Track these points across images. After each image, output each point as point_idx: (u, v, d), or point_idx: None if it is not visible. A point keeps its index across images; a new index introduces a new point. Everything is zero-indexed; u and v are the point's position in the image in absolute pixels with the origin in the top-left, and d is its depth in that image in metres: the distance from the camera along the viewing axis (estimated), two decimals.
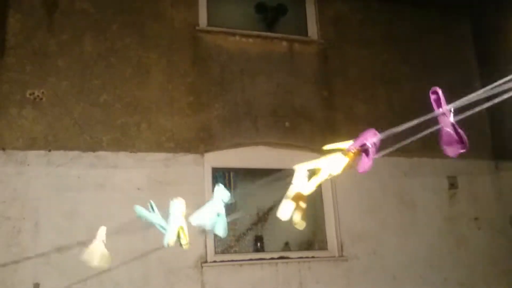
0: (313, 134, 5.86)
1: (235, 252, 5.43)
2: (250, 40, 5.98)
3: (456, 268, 5.90)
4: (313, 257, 5.48)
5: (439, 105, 1.36)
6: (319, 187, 5.88)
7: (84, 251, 1.93)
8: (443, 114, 1.34)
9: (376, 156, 1.47)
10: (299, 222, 1.63)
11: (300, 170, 1.63)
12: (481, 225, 6.21)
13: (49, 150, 4.86)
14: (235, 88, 5.70)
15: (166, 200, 5.47)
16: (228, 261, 5.19)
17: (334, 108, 6.07)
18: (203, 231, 5.09)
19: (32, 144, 4.82)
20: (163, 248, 5.04)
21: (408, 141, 1.46)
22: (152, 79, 5.42)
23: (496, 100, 1.24)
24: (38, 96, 4.95)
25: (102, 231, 1.97)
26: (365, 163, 1.46)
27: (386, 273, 5.60)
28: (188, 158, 5.26)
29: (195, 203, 5.11)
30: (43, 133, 4.89)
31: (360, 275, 5.51)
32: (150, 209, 2.02)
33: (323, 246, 5.67)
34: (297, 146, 5.73)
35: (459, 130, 1.31)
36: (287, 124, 5.76)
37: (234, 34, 5.92)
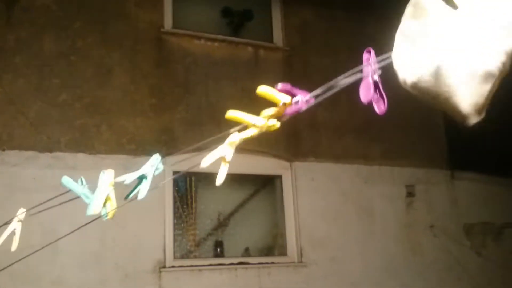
0: (276, 140, 5.87)
1: (195, 257, 5.38)
2: (216, 44, 5.96)
3: (412, 275, 6.03)
4: (272, 262, 5.48)
5: (367, 59, 1.38)
6: (281, 193, 5.85)
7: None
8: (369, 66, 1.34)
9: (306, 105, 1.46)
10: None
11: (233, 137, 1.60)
12: (437, 233, 6.38)
13: (3, 150, 4.68)
14: (199, 91, 5.66)
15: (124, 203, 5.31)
16: (187, 266, 5.12)
17: (297, 115, 6.09)
18: (162, 236, 5.03)
19: None
20: (120, 251, 4.92)
21: (333, 91, 1.45)
22: (114, 80, 5.31)
23: None
24: None
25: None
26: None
27: (344, 280, 5.66)
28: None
29: (155, 207, 5.05)
30: None
31: (319, 281, 5.55)
32: (80, 183, 1.96)
33: (283, 252, 5.68)
34: (260, 151, 5.73)
35: (381, 89, 1.32)
36: None
37: (199, 38, 5.89)
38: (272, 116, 1.46)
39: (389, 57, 1.26)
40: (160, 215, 5.08)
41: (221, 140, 1.59)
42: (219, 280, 5.13)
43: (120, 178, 1.77)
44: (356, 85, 1.41)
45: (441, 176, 6.70)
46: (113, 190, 1.81)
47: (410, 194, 6.40)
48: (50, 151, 4.84)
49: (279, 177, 5.91)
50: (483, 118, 1.04)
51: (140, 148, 5.18)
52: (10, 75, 4.89)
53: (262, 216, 5.97)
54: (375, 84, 1.30)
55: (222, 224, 5.64)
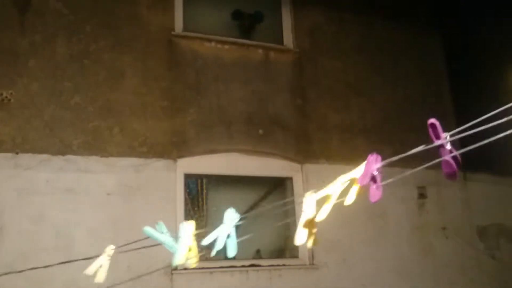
0: (286, 142, 5.88)
1: (206, 259, 5.39)
2: (226, 46, 5.98)
3: (424, 277, 5.99)
4: (284, 265, 5.48)
5: (436, 135, 1.41)
6: (292, 195, 5.84)
7: (90, 266, 1.90)
8: (442, 145, 1.40)
9: (383, 183, 1.52)
10: (313, 243, 1.73)
11: (310, 198, 1.70)
12: (449, 235, 6.33)
13: (17, 153, 4.73)
14: (209, 94, 5.69)
15: (136, 206, 5.39)
16: (199, 268, 5.13)
17: (307, 116, 6.11)
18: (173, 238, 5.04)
19: None
20: (132, 254, 4.94)
21: (416, 169, 1.52)
22: (126, 83, 5.35)
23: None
24: (6, 97, 4.83)
25: (109, 249, 1.98)
26: (375, 193, 1.50)
27: (356, 282, 5.64)
28: (160, 164, 5.21)
29: (167, 209, 5.07)
30: (10, 135, 4.76)
31: (331, 284, 5.53)
32: (159, 229, 2.08)
33: (294, 254, 5.67)
34: (270, 153, 5.74)
35: (458, 157, 1.38)
36: (260, 131, 5.77)
37: (210, 40, 5.91)
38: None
39: None
40: (171, 217, 5.10)
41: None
42: (230, 282, 5.14)
43: (207, 241, 1.90)
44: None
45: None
46: (194, 240, 1.94)
47: (422, 195, 6.36)
48: (63, 154, 4.88)
49: (290, 179, 5.90)
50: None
51: (152, 151, 5.21)
52: (24, 79, 4.95)
53: (273, 218, 5.97)
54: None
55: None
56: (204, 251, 5.49)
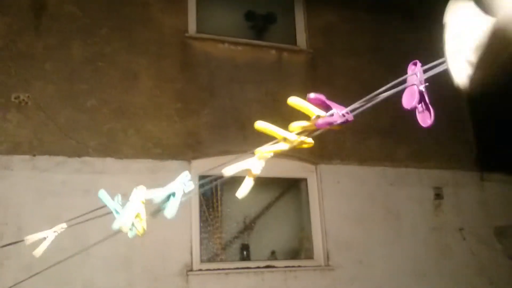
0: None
1: (221, 260, 5.40)
2: (239, 47, 5.99)
3: (441, 278, 5.92)
4: (299, 266, 5.46)
5: (413, 71, 1.33)
6: (306, 196, 5.83)
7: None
8: (415, 77, 1.30)
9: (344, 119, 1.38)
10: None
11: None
12: (466, 236, 6.25)
13: (34, 155, 4.79)
14: (223, 95, 5.69)
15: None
16: (214, 269, 5.14)
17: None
18: (189, 239, 5.06)
19: (16, 149, 4.75)
20: (148, 255, 4.96)
21: (377, 100, 1.39)
22: (140, 85, 5.38)
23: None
24: (23, 100, 4.89)
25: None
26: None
27: (371, 283, 5.60)
28: (175, 165, 5.22)
29: (181, 210, 5.06)
30: (28, 138, 4.82)
31: (346, 285, 5.49)
32: (116, 200, 1.99)
33: (309, 255, 5.65)
34: (284, 154, 5.71)
35: (427, 100, 1.28)
36: None
37: (223, 42, 5.92)
38: (304, 129, 1.39)
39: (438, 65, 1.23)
40: (186, 218, 5.11)
41: (248, 148, 1.56)
42: (245, 283, 5.13)
43: (149, 195, 1.78)
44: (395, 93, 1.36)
45: (470, 178, 6.57)
46: (143, 207, 1.83)
47: (438, 196, 6.29)
48: (79, 156, 4.93)
49: (305, 180, 5.89)
50: None
51: (166, 152, 5.23)
52: (40, 82, 5.01)
53: (288, 219, 5.96)
54: (421, 94, 1.26)
55: (248, 227, 5.65)
56: (220, 252, 5.49)
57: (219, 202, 5.54)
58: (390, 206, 6.02)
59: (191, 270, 4.97)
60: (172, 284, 4.86)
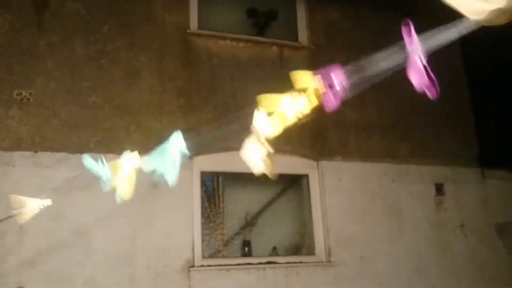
0: (302, 139, 5.86)
1: (223, 256, 5.41)
2: (241, 44, 5.99)
3: (443, 275, 5.93)
4: (300, 262, 5.47)
5: (409, 39, 1.33)
6: (308, 192, 5.83)
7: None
8: (412, 49, 1.31)
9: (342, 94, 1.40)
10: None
11: (261, 112, 1.56)
12: (467, 232, 6.26)
13: (36, 151, 4.80)
14: (225, 92, 5.70)
15: (153, 203, 5.43)
16: (216, 265, 5.16)
17: (323, 114, 6.07)
18: (191, 235, 5.08)
19: (18, 145, 4.76)
20: (150, 251, 4.98)
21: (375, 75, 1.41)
22: (142, 82, 5.39)
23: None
24: (25, 96, 4.90)
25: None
26: (331, 102, 1.37)
27: (373, 280, 5.61)
28: None
29: (183, 206, 5.09)
30: (30, 134, 4.84)
31: (348, 281, 5.51)
32: (100, 163, 2.01)
33: (311, 252, 5.66)
34: (286, 151, 5.73)
35: (429, 70, 1.29)
36: None
37: (225, 38, 5.92)
38: (307, 95, 1.40)
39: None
40: (188, 215, 5.13)
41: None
42: (247, 279, 5.15)
43: (144, 163, 1.77)
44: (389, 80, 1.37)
45: (471, 174, 6.57)
46: (134, 173, 1.83)
47: (440, 192, 6.30)
48: (81, 152, 4.93)
49: (306, 176, 5.89)
50: None
51: None
52: (42, 79, 5.02)
53: (289, 216, 5.97)
54: (425, 67, 1.27)
55: (249, 223, 5.66)
56: (222, 248, 5.51)
57: (220, 198, 5.55)
58: (392, 202, 6.02)
59: (193, 266, 4.98)
60: (174, 280, 4.88)
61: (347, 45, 6.50)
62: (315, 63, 6.26)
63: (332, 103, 1.33)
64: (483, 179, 6.60)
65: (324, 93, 1.33)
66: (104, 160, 2.02)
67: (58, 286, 4.46)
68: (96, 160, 2.05)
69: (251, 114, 1.65)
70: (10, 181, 4.64)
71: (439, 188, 6.31)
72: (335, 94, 1.33)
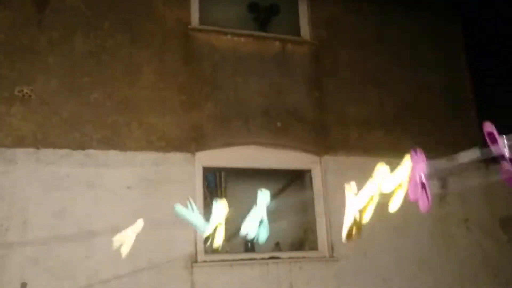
0: (304, 134, 5.85)
1: (226, 252, 5.41)
2: (243, 39, 5.96)
3: (446, 270, 5.92)
4: (303, 257, 5.47)
5: (492, 140, 1.37)
6: (311, 187, 5.80)
7: (117, 236, 1.88)
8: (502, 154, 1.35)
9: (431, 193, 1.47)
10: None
11: (351, 194, 1.65)
12: (471, 227, 6.24)
13: (38, 148, 4.80)
14: (227, 87, 5.68)
15: (156, 199, 5.42)
16: (219, 261, 5.16)
17: (325, 108, 6.06)
18: (193, 231, 5.07)
19: (20, 142, 4.76)
20: (153, 247, 4.98)
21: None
22: (143, 78, 5.38)
23: None
24: (27, 93, 4.90)
25: (139, 224, 1.92)
26: (425, 202, 1.46)
27: (376, 274, 5.60)
28: (179, 157, 5.23)
29: (186, 203, 5.07)
30: (32, 131, 4.84)
31: (351, 276, 5.50)
32: (189, 207, 2.05)
33: (314, 247, 5.66)
34: (288, 146, 5.72)
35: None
36: (278, 124, 5.75)
37: (226, 33, 5.90)
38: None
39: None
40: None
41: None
42: (250, 274, 5.15)
43: (244, 229, 1.86)
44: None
45: (475, 169, 6.53)
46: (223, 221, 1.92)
47: (443, 187, 6.27)
48: (83, 148, 4.94)
49: (309, 171, 5.88)
50: None
51: (170, 145, 5.24)
52: (43, 75, 5.01)
53: (292, 211, 5.96)
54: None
55: None
56: (225, 244, 5.49)
57: (223, 194, 5.55)
58: None
59: (196, 261, 4.98)
60: (177, 276, 4.88)
61: (349, 40, 6.47)
62: (317, 58, 6.26)
63: (425, 203, 1.42)
64: (487, 174, 6.57)
65: (420, 195, 1.42)
66: (193, 204, 2.08)
67: (61, 282, 4.47)
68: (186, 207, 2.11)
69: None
70: (13, 178, 4.65)
71: (442, 183, 6.28)
72: (427, 194, 1.42)
